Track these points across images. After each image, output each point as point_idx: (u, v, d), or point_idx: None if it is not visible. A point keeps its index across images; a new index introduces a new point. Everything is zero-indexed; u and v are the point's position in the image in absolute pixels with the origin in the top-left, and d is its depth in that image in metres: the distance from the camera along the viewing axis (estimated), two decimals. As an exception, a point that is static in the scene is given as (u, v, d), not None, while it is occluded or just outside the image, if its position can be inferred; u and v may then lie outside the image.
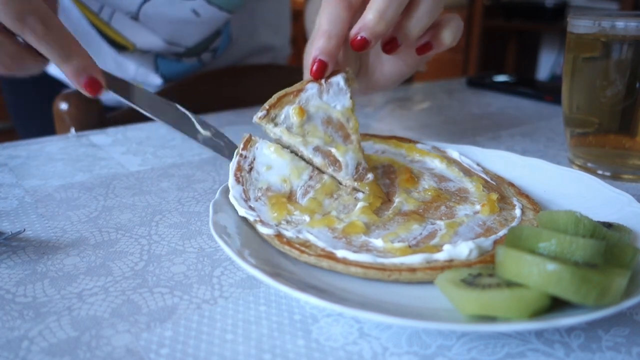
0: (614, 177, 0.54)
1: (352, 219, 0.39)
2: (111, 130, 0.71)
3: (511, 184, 0.47)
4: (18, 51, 0.49)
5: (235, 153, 0.44)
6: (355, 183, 0.43)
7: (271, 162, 0.43)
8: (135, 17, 0.78)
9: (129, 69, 0.89)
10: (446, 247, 0.35)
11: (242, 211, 0.39)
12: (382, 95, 0.94)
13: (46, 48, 0.44)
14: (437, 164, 0.49)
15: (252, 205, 0.40)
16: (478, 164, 0.50)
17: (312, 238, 0.36)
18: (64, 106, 0.73)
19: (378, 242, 0.36)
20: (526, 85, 0.98)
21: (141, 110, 0.50)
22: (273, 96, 0.44)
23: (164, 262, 0.38)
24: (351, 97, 0.45)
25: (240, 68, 0.96)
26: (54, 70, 0.93)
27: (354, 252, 0.34)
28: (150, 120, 0.76)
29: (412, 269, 0.33)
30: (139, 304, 0.33)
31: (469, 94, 0.98)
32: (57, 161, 0.59)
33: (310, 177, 0.43)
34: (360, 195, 0.43)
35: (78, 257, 0.38)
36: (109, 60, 0.87)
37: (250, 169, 0.43)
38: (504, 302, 0.27)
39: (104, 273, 0.36)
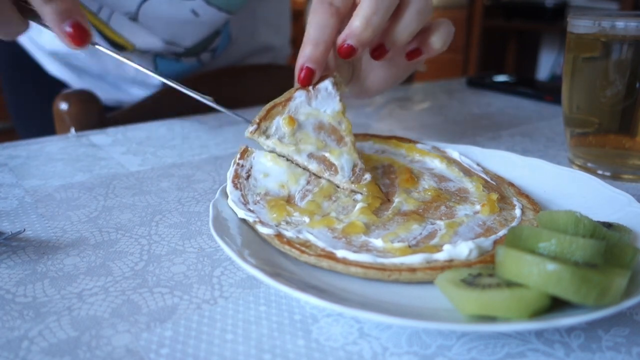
0: (614, 177, 0.54)
1: (352, 220, 0.39)
2: (111, 130, 0.71)
3: (511, 184, 0.47)
4: None
5: (232, 162, 0.44)
6: (353, 185, 0.43)
7: (268, 170, 0.43)
8: (134, 17, 0.78)
9: (129, 68, 0.88)
10: (446, 247, 0.35)
11: (242, 213, 0.39)
12: (382, 95, 0.94)
13: None
14: (437, 164, 0.49)
15: (251, 209, 0.40)
16: (478, 164, 0.50)
17: (312, 238, 0.36)
18: (64, 106, 0.73)
19: (378, 242, 0.36)
20: (526, 85, 0.98)
21: (140, 68, 0.48)
22: (262, 109, 0.44)
23: (164, 262, 0.38)
24: (341, 100, 0.45)
25: (239, 68, 0.96)
26: (54, 70, 0.93)
27: (354, 252, 0.34)
28: (150, 120, 0.77)
29: (412, 269, 0.33)
30: (139, 304, 0.33)
31: (469, 94, 0.98)
32: (57, 161, 0.59)
33: (308, 182, 0.43)
34: (358, 196, 0.43)
35: (78, 257, 0.38)
36: (108, 60, 0.87)
37: (248, 176, 0.43)
38: (504, 302, 0.27)
39: (104, 273, 0.36)
